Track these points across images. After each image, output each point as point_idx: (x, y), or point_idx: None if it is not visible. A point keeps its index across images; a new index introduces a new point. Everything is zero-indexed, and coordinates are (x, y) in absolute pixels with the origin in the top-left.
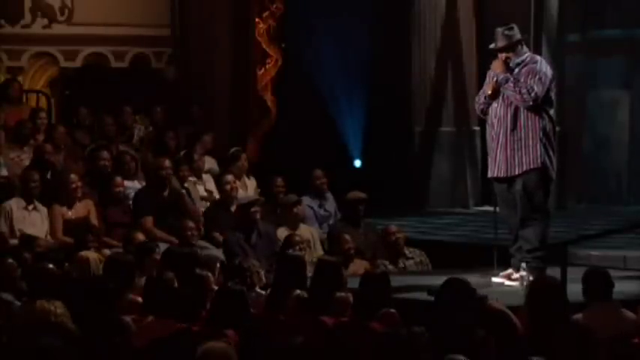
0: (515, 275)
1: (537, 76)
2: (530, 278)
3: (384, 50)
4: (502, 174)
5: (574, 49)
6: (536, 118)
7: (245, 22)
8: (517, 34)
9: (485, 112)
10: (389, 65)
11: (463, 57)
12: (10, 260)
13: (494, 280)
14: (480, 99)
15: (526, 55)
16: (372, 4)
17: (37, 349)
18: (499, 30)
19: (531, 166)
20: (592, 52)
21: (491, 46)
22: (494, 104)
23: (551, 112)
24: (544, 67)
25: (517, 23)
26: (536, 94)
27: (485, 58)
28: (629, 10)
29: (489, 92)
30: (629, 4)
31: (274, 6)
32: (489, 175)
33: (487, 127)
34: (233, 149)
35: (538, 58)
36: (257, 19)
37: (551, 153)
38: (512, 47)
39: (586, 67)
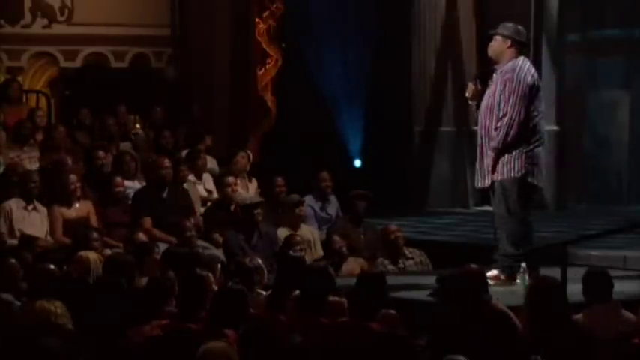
0: (502, 276)
1: (513, 97)
2: (527, 278)
3: (384, 50)
4: (486, 184)
5: (574, 49)
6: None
7: (245, 22)
8: (522, 36)
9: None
10: (389, 65)
11: (463, 57)
12: (13, 260)
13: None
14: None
15: (514, 61)
16: (372, 4)
17: (37, 349)
18: (508, 23)
19: (511, 175)
20: (592, 52)
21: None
22: (481, 115)
23: (537, 119)
24: (522, 75)
25: (517, 23)
26: (510, 119)
27: (486, 58)
28: (629, 10)
29: (468, 95)
30: (629, 4)
31: (274, 6)
32: (476, 185)
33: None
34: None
35: (518, 64)
36: (257, 19)
37: (536, 161)
38: (510, 40)
39: (586, 67)
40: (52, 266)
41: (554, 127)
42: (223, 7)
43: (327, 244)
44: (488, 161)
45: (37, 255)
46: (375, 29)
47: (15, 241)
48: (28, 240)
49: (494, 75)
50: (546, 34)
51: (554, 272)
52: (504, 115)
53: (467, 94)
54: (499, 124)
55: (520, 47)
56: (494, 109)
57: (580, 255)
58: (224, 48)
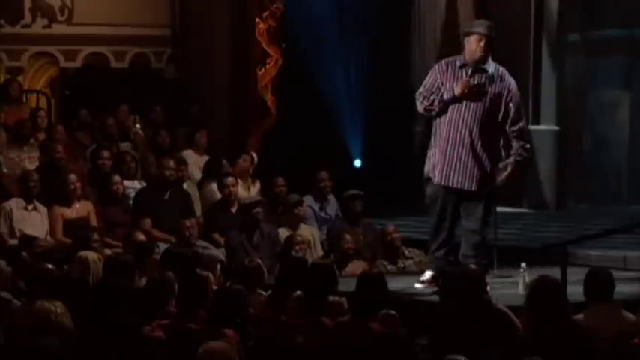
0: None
1: (519, 105)
2: (527, 277)
3: (384, 50)
4: (462, 186)
5: (574, 49)
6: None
7: (245, 22)
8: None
9: (439, 111)
10: (389, 65)
11: None
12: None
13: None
14: (436, 97)
15: (497, 65)
16: (372, 4)
17: (37, 349)
18: (484, 21)
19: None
20: (592, 52)
21: (466, 28)
22: (468, 113)
23: None
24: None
25: (517, 23)
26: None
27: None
28: (629, 10)
29: (466, 91)
30: (629, 4)
31: (274, 6)
32: (440, 182)
33: (440, 126)
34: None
35: (501, 69)
36: (257, 19)
37: None
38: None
39: (586, 67)
40: (51, 266)
41: (554, 127)
42: (223, 7)
43: (334, 242)
44: (486, 164)
45: (37, 255)
46: (375, 29)
47: (15, 241)
48: (28, 240)
49: (477, 74)
50: (546, 34)
51: (554, 272)
52: (516, 123)
53: (465, 91)
54: (515, 134)
55: None
56: (489, 112)
57: (580, 255)
58: (224, 48)
